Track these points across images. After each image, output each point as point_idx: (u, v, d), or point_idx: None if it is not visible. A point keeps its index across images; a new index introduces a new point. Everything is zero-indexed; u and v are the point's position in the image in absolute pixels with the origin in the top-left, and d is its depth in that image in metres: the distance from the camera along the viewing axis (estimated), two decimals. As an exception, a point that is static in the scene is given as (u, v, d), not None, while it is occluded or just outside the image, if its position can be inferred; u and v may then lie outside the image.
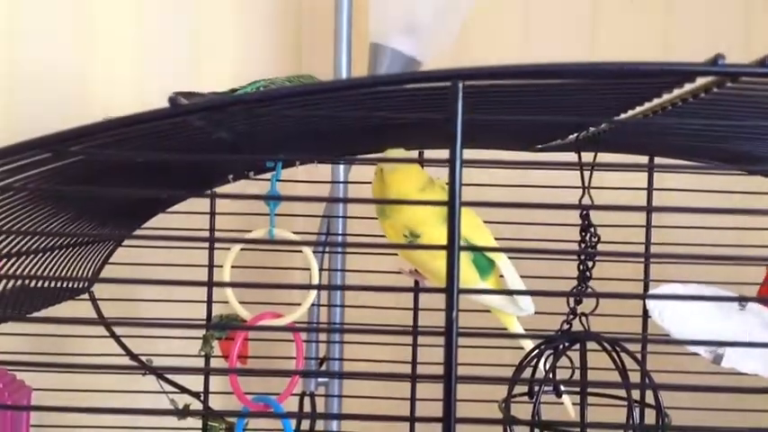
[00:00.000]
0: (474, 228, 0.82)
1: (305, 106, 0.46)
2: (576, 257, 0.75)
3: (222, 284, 0.78)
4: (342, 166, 1.05)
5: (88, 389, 0.97)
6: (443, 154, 0.82)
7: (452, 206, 0.39)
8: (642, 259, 0.96)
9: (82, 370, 0.97)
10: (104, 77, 1.14)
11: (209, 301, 0.97)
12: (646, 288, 0.95)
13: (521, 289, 0.82)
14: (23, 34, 1.14)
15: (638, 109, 0.57)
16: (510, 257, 0.82)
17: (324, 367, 1.10)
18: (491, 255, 0.82)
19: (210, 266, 0.97)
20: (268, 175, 0.84)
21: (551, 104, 0.50)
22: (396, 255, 0.87)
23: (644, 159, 0.95)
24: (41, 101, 1.12)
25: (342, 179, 1.05)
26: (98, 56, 1.14)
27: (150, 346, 0.98)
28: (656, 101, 0.50)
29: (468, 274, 0.81)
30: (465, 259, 0.81)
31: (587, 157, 0.77)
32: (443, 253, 0.81)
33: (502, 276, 0.82)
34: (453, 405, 0.38)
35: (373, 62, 0.97)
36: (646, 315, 0.95)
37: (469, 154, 0.45)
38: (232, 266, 0.81)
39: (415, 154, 0.95)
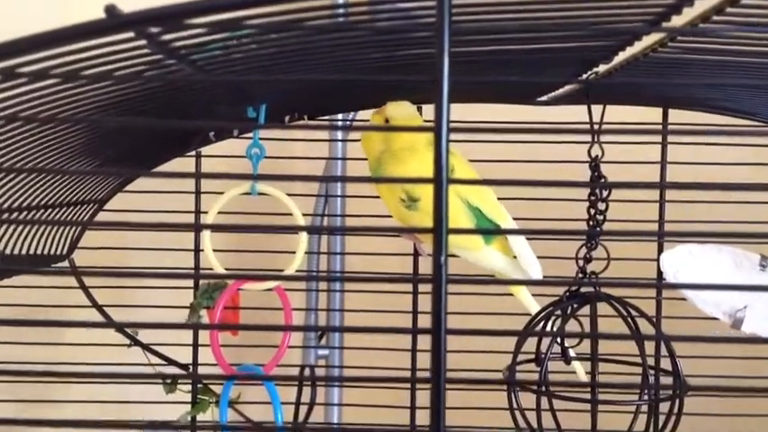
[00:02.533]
0: (476, 188, 0.77)
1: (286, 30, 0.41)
2: (586, 201, 0.69)
3: (208, 227, 0.73)
4: (340, 123, 1.00)
5: (71, 362, 0.92)
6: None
7: (438, 133, 0.33)
8: (656, 231, 0.91)
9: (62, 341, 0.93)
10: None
11: (197, 267, 0.92)
12: (660, 248, 0.90)
13: (530, 250, 0.77)
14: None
15: (652, 39, 0.51)
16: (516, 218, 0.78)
17: (323, 341, 1.05)
18: (495, 218, 0.77)
19: (197, 227, 0.92)
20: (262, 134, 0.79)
21: (554, 27, 0.44)
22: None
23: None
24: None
25: (340, 139, 1.00)
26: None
27: (135, 318, 0.93)
28: (674, 21, 0.44)
29: (472, 239, 0.76)
30: (468, 222, 0.76)
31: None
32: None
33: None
34: (443, 360, 0.33)
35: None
36: (660, 277, 0.89)
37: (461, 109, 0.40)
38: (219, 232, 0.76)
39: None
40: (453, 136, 0.34)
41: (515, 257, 0.77)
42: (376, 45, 0.53)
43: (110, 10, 0.32)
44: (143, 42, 0.39)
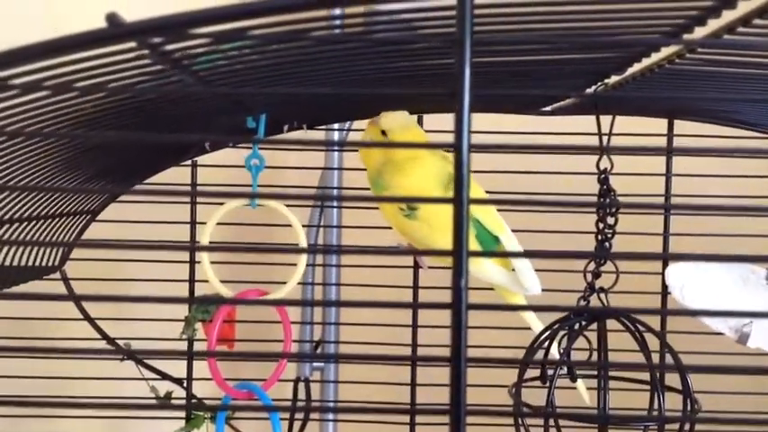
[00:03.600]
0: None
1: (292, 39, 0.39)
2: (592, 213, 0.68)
3: (204, 249, 0.71)
4: (336, 133, 0.98)
5: (65, 376, 0.90)
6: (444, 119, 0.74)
7: (459, 150, 0.31)
8: (662, 232, 0.89)
9: (51, 355, 0.91)
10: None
11: (192, 280, 0.90)
12: (665, 264, 0.88)
13: (529, 264, 0.75)
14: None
15: (669, 50, 0.49)
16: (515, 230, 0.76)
17: (319, 352, 1.03)
18: (496, 231, 0.75)
19: (192, 241, 0.89)
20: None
21: (577, 39, 0.42)
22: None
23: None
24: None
25: (336, 147, 0.98)
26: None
27: (129, 331, 0.91)
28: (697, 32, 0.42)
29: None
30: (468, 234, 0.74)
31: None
32: (442, 227, 0.75)
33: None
34: (463, 392, 0.31)
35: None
36: (665, 292, 0.88)
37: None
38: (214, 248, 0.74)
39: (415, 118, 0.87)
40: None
41: (514, 270, 0.75)
42: (378, 56, 0.52)
43: (111, 19, 0.30)
44: (144, 52, 0.37)
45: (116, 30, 0.31)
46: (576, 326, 0.67)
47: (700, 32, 0.43)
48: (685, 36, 0.43)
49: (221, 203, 0.75)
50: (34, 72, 0.37)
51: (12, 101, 0.43)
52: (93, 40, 0.31)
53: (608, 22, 0.39)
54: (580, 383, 0.74)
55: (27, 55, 0.32)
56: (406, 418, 0.91)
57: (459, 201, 0.32)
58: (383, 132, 0.76)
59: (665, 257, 0.84)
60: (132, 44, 0.35)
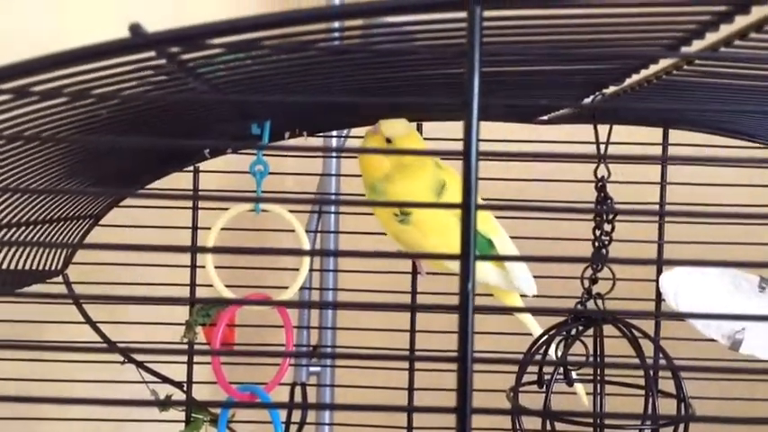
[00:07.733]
0: None
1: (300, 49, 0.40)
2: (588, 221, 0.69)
3: (206, 250, 0.72)
4: (334, 140, 0.99)
5: (66, 379, 0.90)
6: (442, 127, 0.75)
7: (468, 156, 0.33)
8: (656, 240, 0.90)
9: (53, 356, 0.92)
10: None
11: (193, 284, 0.91)
12: (659, 271, 0.89)
13: (523, 265, 0.76)
14: None
15: (667, 62, 0.51)
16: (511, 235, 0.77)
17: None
18: (488, 234, 0.76)
19: (194, 244, 0.90)
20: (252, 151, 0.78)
21: (584, 52, 0.43)
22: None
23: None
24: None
25: (334, 153, 0.99)
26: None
27: (130, 335, 0.92)
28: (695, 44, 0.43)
29: None
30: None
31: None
32: (434, 231, 0.76)
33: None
34: (469, 392, 0.32)
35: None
36: (659, 299, 0.89)
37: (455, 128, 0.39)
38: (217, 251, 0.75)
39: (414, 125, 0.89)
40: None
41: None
42: (382, 66, 0.53)
43: (135, 29, 0.32)
44: (161, 62, 0.39)
45: (138, 40, 0.32)
46: (573, 331, 0.68)
47: (697, 45, 0.44)
48: (683, 49, 0.44)
49: (224, 209, 0.76)
50: (51, 81, 0.38)
51: (27, 107, 0.44)
52: (115, 49, 0.32)
53: (610, 35, 0.40)
54: (579, 387, 0.76)
55: (51, 64, 0.33)
56: (403, 423, 0.92)
57: (468, 206, 0.33)
58: (388, 140, 0.77)
59: (660, 263, 0.85)
60: (150, 53, 0.37)
